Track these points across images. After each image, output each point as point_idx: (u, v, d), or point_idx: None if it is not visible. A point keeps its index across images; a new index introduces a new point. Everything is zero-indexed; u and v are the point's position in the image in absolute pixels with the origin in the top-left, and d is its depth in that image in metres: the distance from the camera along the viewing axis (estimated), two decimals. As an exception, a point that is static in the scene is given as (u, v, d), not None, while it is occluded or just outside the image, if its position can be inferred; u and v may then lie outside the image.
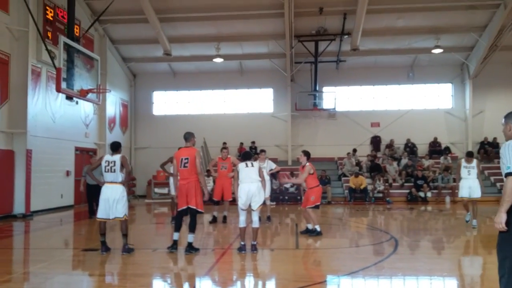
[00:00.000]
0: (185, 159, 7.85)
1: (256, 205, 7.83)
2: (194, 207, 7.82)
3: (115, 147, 8.03)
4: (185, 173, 7.85)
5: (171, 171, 10.91)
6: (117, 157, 7.89)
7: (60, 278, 6.56)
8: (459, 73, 22.64)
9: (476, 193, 10.73)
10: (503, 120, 4.15)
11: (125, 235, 7.98)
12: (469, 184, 10.76)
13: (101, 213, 7.86)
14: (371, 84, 23.06)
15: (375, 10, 18.44)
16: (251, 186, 7.76)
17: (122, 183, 7.91)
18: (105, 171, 7.89)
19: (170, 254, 7.90)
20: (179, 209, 7.98)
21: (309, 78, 22.16)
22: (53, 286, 6.16)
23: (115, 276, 6.86)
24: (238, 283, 6.28)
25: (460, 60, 21.80)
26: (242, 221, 7.88)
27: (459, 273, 6.84)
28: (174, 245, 7.97)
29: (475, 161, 10.98)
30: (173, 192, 11.40)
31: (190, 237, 7.89)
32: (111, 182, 7.85)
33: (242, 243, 7.86)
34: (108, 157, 7.97)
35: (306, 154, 9.76)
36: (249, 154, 8.45)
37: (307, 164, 9.62)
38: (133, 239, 9.31)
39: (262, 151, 12.45)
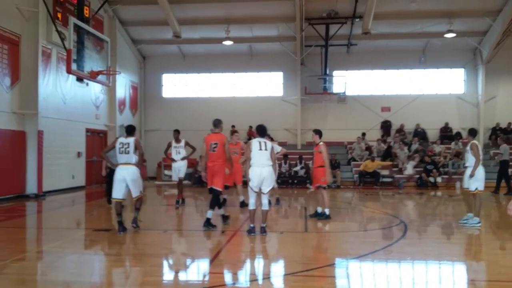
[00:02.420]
0: (214, 144, 8.43)
1: (266, 188, 7.86)
2: (216, 188, 8.40)
3: (130, 130, 8.29)
4: (213, 156, 8.44)
5: (173, 156, 11.75)
6: (131, 140, 8.11)
7: (73, 257, 6.68)
8: (471, 58, 22.31)
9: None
10: None
11: (137, 209, 8.37)
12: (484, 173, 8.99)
13: (116, 194, 8.08)
14: (382, 68, 22.83)
15: (388, -7, 18.18)
16: (263, 170, 7.76)
17: (136, 164, 8.11)
18: (119, 153, 8.10)
19: (181, 235, 7.99)
20: (209, 187, 8.57)
21: (319, 62, 21.98)
22: (65, 265, 6.27)
23: (126, 256, 6.96)
24: (247, 265, 6.34)
25: (473, 45, 21.47)
26: (252, 203, 7.91)
27: (468, 258, 6.84)
28: (206, 223, 8.41)
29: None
30: (176, 177, 11.87)
31: (209, 213, 8.37)
32: (125, 164, 8.05)
33: (252, 225, 7.91)
34: (122, 139, 8.18)
35: (318, 132, 9.78)
36: (264, 128, 8.17)
37: (321, 143, 9.59)
38: (144, 220, 9.42)
39: (267, 135, 12.21)
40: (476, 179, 8.86)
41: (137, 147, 8.10)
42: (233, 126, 22.11)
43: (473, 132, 9.27)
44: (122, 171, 8.03)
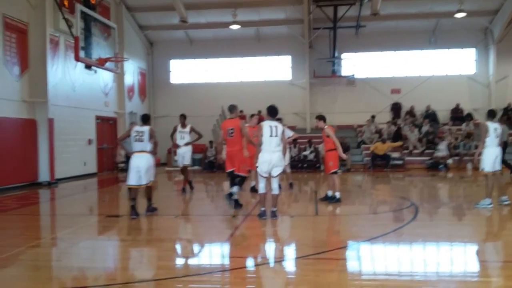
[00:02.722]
0: (230, 129, 8.58)
1: (276, 172, 7.82)
2: (240, 174, 8.65)
3: (146, 119, 8.59)
4: (231, 142, 8.63)
5: (177, 142, 11.66)
6: (146, 128, 8.29)
7: (86, 244, 6.77)
8: (482, 38, 21.95)
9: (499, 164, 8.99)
10: None
11: (149, 199, 8.59)
12: (497, 153, 8.75)
13: (132, 181, 8.24)
14: (391, 49, 22.56)
15: (397, -27, 17.89)
16: (273, 156, 7.70)
17: (151, 152, 8.31)
18: (134, 141, 8.27)
19: (192, 220, 8.04)
20: (227, 171, 8.81)
21: (327, 45, 21.76)
22: (79, 251, 6.36)
23: (139, 241, 7.04)
24: (259, 249, 6.39)
25: (484, 24, 21.11)
26: (262, 187, 7.88)
27: (480, 239, 6.82)
28: (229, 195, 8.82)
29: (498, 124, 9.13)
30: (180, 163, 11.71)
31: (235, 188, 8.69)
32: (140, 151, 8.23)
33: (263, 208, 7.90)
34: (137, 127, 8.36)
35: (321, 118, 9.75)
36: (275, 109, 8.05)
37: (326, 126, 9.58)
38: (156, 206, 9.50)
39: (279, 120, 12.13)
40: (482, 160, 8.82)
41: (151, 136, 8.26)
42: (241, 111, 22.06)
43: (488, 113, 9.16)
44: (136, 159, 8.20)
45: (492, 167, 8.74)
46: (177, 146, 11.72)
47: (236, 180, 8.73)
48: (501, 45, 21.10)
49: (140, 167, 8.14)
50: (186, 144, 11.59)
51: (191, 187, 12.02)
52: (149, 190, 8.51)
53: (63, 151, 15.45)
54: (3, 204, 10.65)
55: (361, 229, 7.33)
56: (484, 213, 8.53)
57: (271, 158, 7.69)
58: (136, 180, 8.19)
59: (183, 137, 11.64)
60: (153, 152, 8.39)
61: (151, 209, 8.55)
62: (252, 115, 11.69)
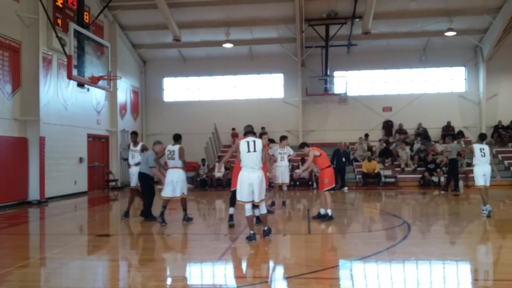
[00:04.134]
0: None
1: (259, 197, 7.39)
2: None
3: (176, 138, 9.62)
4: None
5: (128, 160, 11.14)
6: (176, 147, 9.44)
7: (76, 263, 6.66)
8: (472, 56, 22.27)
9: (488, 180, 10.10)
10: None
11: (184, 210, 9.72)
12: (484, 171, 9.96)
13: (166, 193, 9.40)
14: (383, 68, 22.80)
15: (387, -7, 18.20)
16: (252, 175, 7.33)
17: (182, 168, 9.47)
18: (167, 159, 9.49)
19: (184, 239, 7.96)
20: (233, 189, 8.58)
21: (319, 63, 21.98)
22: (69, 271, 6.26)
23: (129, 261, 6.95)
24: (251, 268, 6.32)
25: (473, 42, 21.44)
26: (248, 209, 7.50)
27: (472, 258, 6.80)
28: (231, 218, 8.92)
29: (487, 145, 10.42)
30: (133, 184, 10.72)
31: (231, 210, 8.89)
32: (173, 167, 9.41)
33: (252, 232, 7.56)
34: (170, 146, 9.51)
35: (303, 145, 10.05)
36: (248, 126, 7.87)
37: (310, 149, 9.71)
38: (146, 226, 9.43)
39: (284, 137, 11.92)
40: (474, 177, 10.28)
41: (181, 154, 9.37)
42: (233, 129, 22.16)
43: (479, 136, 10.85)
44: (170, 174, 9.40)
45: (482, 181, 9.98)
46: (128, 165, 11.21)
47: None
48: (490, 63, 21.40)
49: (174, 181, 9.30)
50: (137, 164, 10.71)
51: (126, 214, 10.55)
52: (184, 201, 9.60)
53: (54, 170, 15.31)
54: (-8, 224, 10.49)
55: (354, 248, 7.30)
56: (476, 231, 8.53)
57: (249, 176, 7.34)
58: (171, 192, 9.35)
59: (133, 155, 10.94)
60: (184, 168, 9.51)
61: (187, 219, 9.68)
62: (261, 135, 11.68)
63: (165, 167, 9.75)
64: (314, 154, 9.64)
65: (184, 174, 9.57)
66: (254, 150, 7.41)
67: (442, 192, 16.12)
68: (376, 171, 18.39)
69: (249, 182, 7.34)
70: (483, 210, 10.05)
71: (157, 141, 10.26)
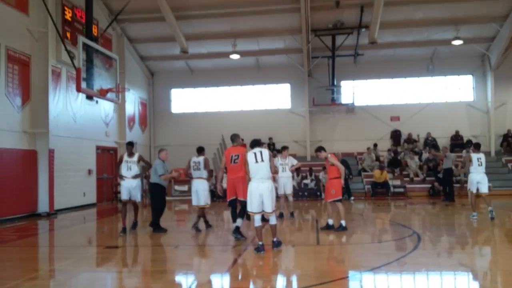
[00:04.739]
0: (235, 155, 8.59)
1: (269, 207, 7.42)
2: (243, 199, 8.40)
3: (200, 150, 10.18)
4: (234, 168, 8.61)
5: (122, 173, 10.16)
6: (201, 158, 10.04)
7: (85, 275, 6.67)
8: (480, 65, 22.20)
9: (485, 188, 10.94)
10: None
11: (202, 217, 10.25)
12: (478, 179, 10.84)
13: (193, 201, 10.13)
14: (390, 77, 22.78)
15: (393, 2, 18.25)
16: (261, 185, 7.39)
17: (207, 178, 10.08)
18: (193, 170, 10.02)
19: (192, 250, 7.95)
20: (228, 200, 8.83)
21: (326, 73, 22.00)
22: (78, 283, 6.26)
23: (138, 273, 6.94)
24: (260, 280, 6.28)
25: (481, 51, 21.37)
26: (257, 219, 7.53)
27: (482, 268, 6.71)
28: (236, 230, 8.72)
29: (483, 154, 11.15)
30: (125, 197, 10.15)
31: (239, 222, 8.71)
32: (198, 178, 9.99)
33: (260, 243, 7.50)
34: (194, 158, 10.09)
35: (320, 149, 9.86)
36: (257, 141, 7.88)
37: (329, 155, 9.61)
38: (155, 237, 9.43)
39: (285, 148, 12.16)
40: (468, 183, 11.16)
41: (206, 165, 9.97)
42: (242, 139, 22.12)
43: (474, 146, 11.55)
44: (195, 184, 9.99)
45: (475, 188, 10.87)
46: (121, 178, 10.17)
47: (239, 211, 8.72)
48: (498, 72, 21.30)
49: (198, 190, 9.92)
50: (135, 176, 10.15)
51: (134, 225, 10.44)
52: (202, 211, 10.20)
53: (63, 182, 15.40)
54: (1, 236, 10.55)
55: (363, 259, 7.23)
56: (487, 241, 8.43)
57: (259, 187, 7.39)
58: (196, 201, 10.01)
59: (129, 167, 10.11)
60: (209, 178, 10.19)
61: (197, 228, 9.97)
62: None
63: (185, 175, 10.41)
64: (332, 162, 9.55)
65: (208, 185, 10.14)
66: (262, 160, 7.48)
67: (443, 202, 16.13)
68: (386, 180, 18.31)
69: (259, 192, 7.39)
70: (473, 216, 11.01)
71: (161, 149, 10.45)
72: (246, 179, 8.40)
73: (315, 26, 20.07)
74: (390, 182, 18.52)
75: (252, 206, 7.48)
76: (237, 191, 8.63)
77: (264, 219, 7.94)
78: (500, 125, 21.51)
